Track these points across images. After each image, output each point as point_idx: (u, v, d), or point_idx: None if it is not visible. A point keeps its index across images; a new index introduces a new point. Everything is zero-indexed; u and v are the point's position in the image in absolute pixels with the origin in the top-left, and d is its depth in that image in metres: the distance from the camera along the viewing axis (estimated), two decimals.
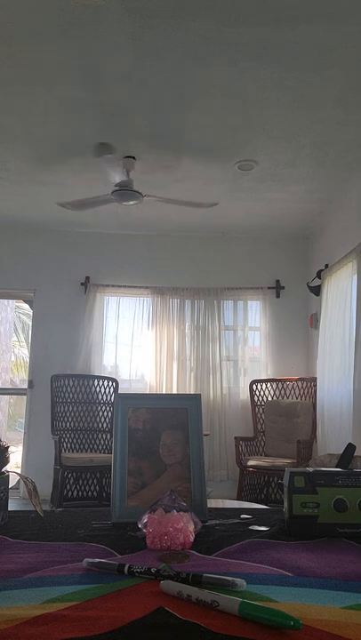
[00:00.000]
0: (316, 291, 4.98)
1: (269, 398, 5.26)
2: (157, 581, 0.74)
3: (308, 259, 5.60)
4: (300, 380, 5.22)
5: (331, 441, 4.34)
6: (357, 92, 3.06)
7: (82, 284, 5.50)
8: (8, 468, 1.13)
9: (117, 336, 5.56)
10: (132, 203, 3.98)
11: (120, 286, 5.54)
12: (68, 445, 4.96)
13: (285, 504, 1.04)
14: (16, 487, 5.16)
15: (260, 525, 1.09)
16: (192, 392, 5.33)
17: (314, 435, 4.82)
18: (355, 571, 0.81)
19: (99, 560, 0.81)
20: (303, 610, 0.65)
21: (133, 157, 3.87)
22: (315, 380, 4.97)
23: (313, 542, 0.97)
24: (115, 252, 5.61)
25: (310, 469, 1.06)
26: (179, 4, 2.41)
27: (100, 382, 5.22)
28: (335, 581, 0.76)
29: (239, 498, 4.67)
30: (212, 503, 1.63)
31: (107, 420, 5.11)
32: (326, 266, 4.90)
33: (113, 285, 5.53)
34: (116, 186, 3.86)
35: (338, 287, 4.51)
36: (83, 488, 4.93)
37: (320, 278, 4.93)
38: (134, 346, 5.54)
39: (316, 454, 4.67)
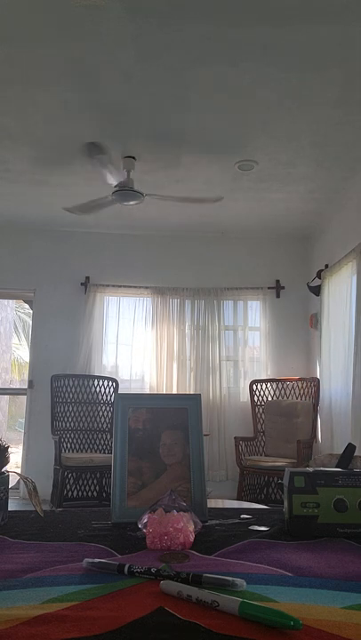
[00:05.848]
0: (317, 291, 4.98)
1: (269, 398, 5.25)
2: (157, 581, 0.74)
3: (308, 259, 5.60)
4: (300, 380, 5.22)
5: (337, 441, 4.33)
6: (357, 92, 3.07)
7: (82, 283, 5.50)
8: (8, 467, 1.13)
9: (117, 336, 5.55)
10: (132, 203, 3.98)
11: (120, 286, 5.54)
12: (68, 445, 4.96)
13: (285, 504, 1.04)
14: (16, 487, 5.16)
15: (260, 525, 1.09)
16: (192, 392, 5.33)
17: (314, 435, 4.82)
18: (355, 571, 0.81)
19: (99, 560, 0.81)
20: (303, 610, 0.65)
21: (133, 157, 3.87)
22: (315, 379, 4.97)
23: (313, 542, 0.97)
24: (115, 252, 5.61)
25: (310, 469, 1.06)
26: (179, 4, 2.41)
27: (100, 382, 5.22)
28: (335, 581, 0.76)
29: (239, 498, 4.67)
30: (212, 503, 1.63)
31: (107, 420, 5.11)
32: (326, 266, 4.89)
33: (113, 285, 5.53)
34: (116, 186, 3.86)
35: (338, 287, 4.51)
36: (83, 488, 4.93)
37: (320, 278, 4.93)
38: (134, 346, 5.53)
39: (317, 454, 4.66)
